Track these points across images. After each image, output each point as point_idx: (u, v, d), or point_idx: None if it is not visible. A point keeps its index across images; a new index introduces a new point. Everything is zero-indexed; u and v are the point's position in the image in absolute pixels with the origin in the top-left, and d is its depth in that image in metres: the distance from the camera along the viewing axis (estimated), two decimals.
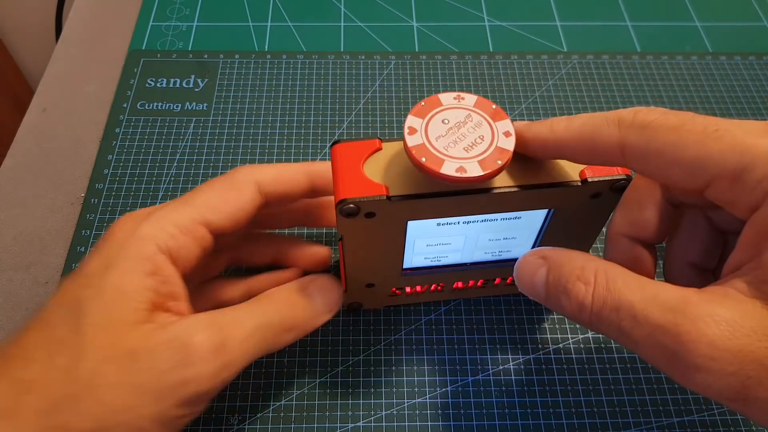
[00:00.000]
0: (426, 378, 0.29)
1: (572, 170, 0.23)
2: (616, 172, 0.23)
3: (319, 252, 0.30)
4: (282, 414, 0.28)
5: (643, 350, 0.18)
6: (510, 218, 0.25)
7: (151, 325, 0.21)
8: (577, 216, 0.25)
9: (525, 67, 0.42)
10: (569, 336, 0.31)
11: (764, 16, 0.47)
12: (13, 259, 0.33)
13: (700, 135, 0.18)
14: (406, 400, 0.29)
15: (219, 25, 0.45)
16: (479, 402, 0.29)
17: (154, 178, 0.36)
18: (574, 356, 0.30)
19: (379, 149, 0.23)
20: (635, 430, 0.28)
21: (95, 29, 0.45)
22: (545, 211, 0.25)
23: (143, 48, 0.43)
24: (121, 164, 0.37)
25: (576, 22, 0.46)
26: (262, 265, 0.30)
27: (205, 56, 0.43)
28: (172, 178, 0.36)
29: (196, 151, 0.37)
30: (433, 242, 0.26)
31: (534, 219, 0.25)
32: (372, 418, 0.28)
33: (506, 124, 0.22)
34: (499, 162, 0.21)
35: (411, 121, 0.22)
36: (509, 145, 0.22)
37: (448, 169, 0.21)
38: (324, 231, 0.34)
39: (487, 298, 0.32)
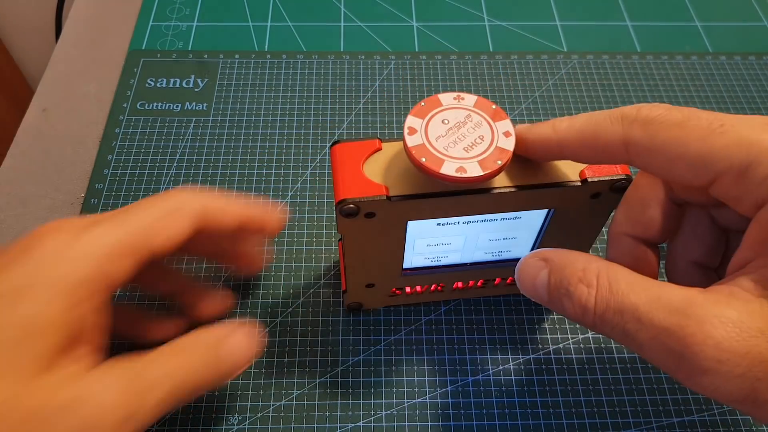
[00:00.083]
0: (426, 378, 0.29)
1: (572, 170, 0.23)
2: (616, 172, 0.23)
3: (216, 306, 0.29)
4: (282, 414, 0.28)
5: (648, 353, 0.17)
6: (510, 218, 0.25)
7: (52, 377, 0.18)
8: (577, 216, 0.25)
9: (525, 67, 0.42)
10: (569, 336, 0.31)
11: (764, 16, 0.47)
12: None
13: (705, 130, 0.17)
14: (406, 400, 0.29)
15: (219, 25, 0.45)
16: (479, 402, 0.29)
17: (154, 178, 0.36)
18: (574, 356, 0.30)
19: (379, 149, 0.23)
20: (635, 430, 0.28)
21: (95, 29, 0.45)
22: (545, 211, 0.25)
23: (143, 48, 0.43)
24: (121, 164, 0.37)
25: (576, 22, 0.46)
26: (156, 295, 0.30)
27: (205, 56, 0.43)
28: (172, 178, 0.36)
29: (196, 151, 0.37)
30: (433, 242, 0.26)
31: (534, 219, 0.25)
32: (372, 418, 0.28)
33: (506, 124, 0.22)
34: (499, 162, 0.21)
35: (411, 121, 0.22)
36: (509, 145, 0.22)
37: (448, 169, 0.21)
38: (324, 231, 0.34)
39: (487, 298, 0.32)
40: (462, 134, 0.22)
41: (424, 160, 0.21)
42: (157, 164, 0.37)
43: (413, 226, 0.24)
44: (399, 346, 0.30)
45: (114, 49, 0.43)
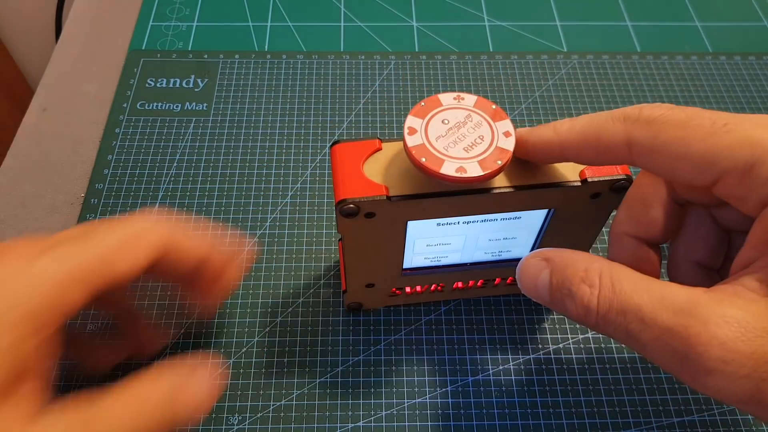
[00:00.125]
0: (426, 378, 0.29)
1: (572, 170, 0.23)
2: (616, 172, 0.23)
3: (153, 343, 0.28)
4: (282, 414, 0.28)
5: (652, 353, 0.17)
6: (510, 218, 0.25)
7: None
8: (577, 216, 0.25)
9: (525, 67, 0.42)
10: (569, 336, 0.31)
11: (764, 16, 0.47)
12: None
13: (709, 129, 0.17)
14: (406, 400, 0.29)
15: (219, 25, 0.45)
16: (479, 402, 0.29)
17: (154, 178, 0.36)
18: (574, 356, 0.30)
19: (379, 149, 0.23)
20: (635, 430, 0.28)
21: (95, 29, 0.45)
22: (545, 211, 0.25)
23: (143, 48, 0.43)
24: (121, 164, 0.37)
25: (576, 22, 0.46)
26: (98, 311, 0.30)
27: (205, 56, 0.43)
28: (172, 178, 0.36)
29: (196, 151, 0.37)
30: (433, 242, 0.26)
31: (534, 219, 0.25)
32: (372, 418, 0.28)
33: (506, 124, 0.22)
34: (499, 162, 0.21)
35: (411, 121, 0.22)
36: (509, 145, 0.22)
37: (448, 169, 0.21)
38: (324, 231, 0.34)
39: (487, 298, 0.32)
40: (462, 134, 0.22)
41: (424, 160, 0.21)
42: (157, 164, 0.37)
43: (413, 226, 0.24)
44: (399, 346, 0.30)
45: (114, 49, 0.43)
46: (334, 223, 0.34)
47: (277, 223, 0.34)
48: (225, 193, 0.36)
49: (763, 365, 0.15)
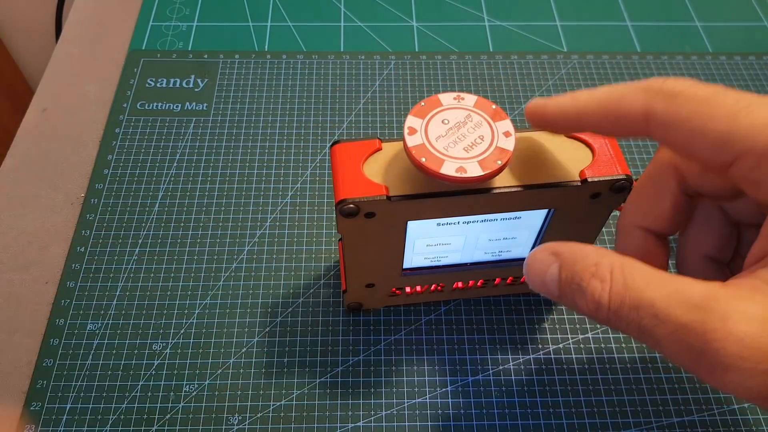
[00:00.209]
0: (426, 378, 0.29)
1: (572, 170, 0.23)
2: (616, 172, 0.23)
3: None
4: (282, 414, 0.28)
5: (666, 349, 0.17)
6: (510, 218, 0.25)
7: None
8: (577, 216, 0.25)
9: (525, 67, 0.42)
10: (569, 336, 0.31)
11: (764, 16, 0.47)
12: (13, 259, 0.33)
13: (731, 108, 0.17)
14: (406, 400, 0.29)
15: (219, 25, 0.45)
16: (479, 402, 0.29)
17: (154, 178, 0.36)
18: (574, 356, 0.30)
19: (379, 149, 0.23)
20: (635, 430, 0.28)
21: (95, 29, 0.45)
22: (545, 211, 0.25)
23: (143, 48, 0.43)
24: (121, 164, 0.37)
25: (576, 22, 0.46)
26: None
27: (205, 56, 0.43)
28: (172, 178, 0.36)
29: (196, 151, 0.37)
30: (433, 242, 0.26)
31: (534, 219, 0.25)
32: (372, 418, 0.28)
33: (506, 124, 0.22)
34: (499, 162, 0.21)
35: (411, 121, 0.22)
36: (509, 145, 0.22)
37: (448, 169, 0.21)
38: (324, 231, 0.34)
39: (487, 298, 0.32)
40: (462, 134, 0.22)
41: (424, 160, 0.21)
42: (157, 164, 0.37)
43: (413, 226, 0.24)
44: (399, 346, 0.30)
45: (114, 49, 0.43)
46: (334, 223, 0.34)
47: (277, 223, 0.34)
48: (225, 193, 0.36)
49: None
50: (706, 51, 0.44)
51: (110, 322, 0.31)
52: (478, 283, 0.30)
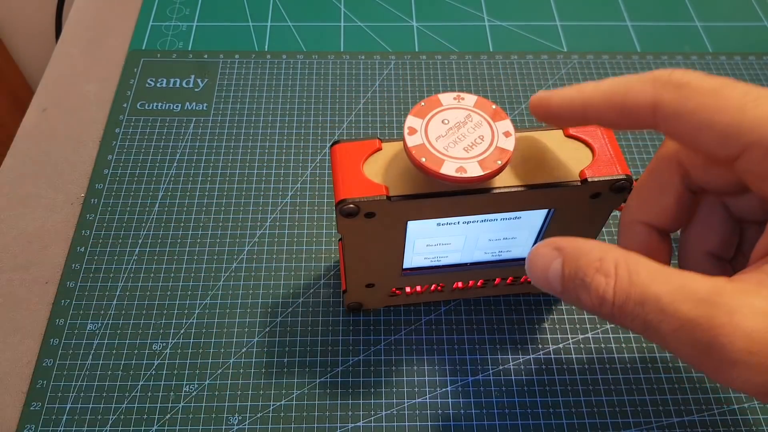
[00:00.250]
0: (426, 378, 0.29)
1: (572, 170, 0.23)
2: (616, 172, 0.23)
3: None
4: (282, 414, 0.28)
5: (672, 345, 0.17)
6: (510, 218, 0.25)
7: None
8: (577, 216, 0.25)
9: (525, 67, 0.42)
10: (569, 336, 0.31)
11: (764, 16, 0.47)
12: (13, 259, 0.33)
13: (739, 100, 0.17)
14: (406, 400, 0.29)
15: (219, 25, 0.45)
16: (479, 402, 0.29)
17: (154, 178, 0.36)
18: (574, 356, 0.30)
19: (379, 149, 0.23)
20: (635, 430, 0.28)
21: (95, 29, 0.45)
22: (545, 211, 0.25)
23: (143, 48, 0.43)
24: (121, 164, 0.37)
25: (576, 22, 0.46)
26: None
27: (205, 56, 0.43)
28: (172, 178, 0.36)
29: (196, 151, 0.37)
30: (433, 242, 0.26)
31: (534, 219, 0.25)
32: (372, 418, 0.28)
33: (506, 124, 0.22)
34: (499, 162, 0.21)
35: (411, 121, 0.22)
36: (509, 145, 0.22)
37: (448, 169, 0.21)
38: (324, 231, 0.34)
39: (487, 298, 0.32)
40: (462, 134, 0.22)
41: (424, 160, 0.21)
42: (157, 164, 0.37)
43: (413, 226, 0.24)
44: (399, 346, 0.30)
45: (114, 49, 0.43)
46: (334, 223, 0.34)
47: (277, 223, 0.34)
48: (225, 193, 0.36)
49: None
50: (706, 51, 0.44)
51: (110, 322, 0.31)
52: (478, 283, 0.30)
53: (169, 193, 0.35)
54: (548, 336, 0.31)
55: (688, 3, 0.48)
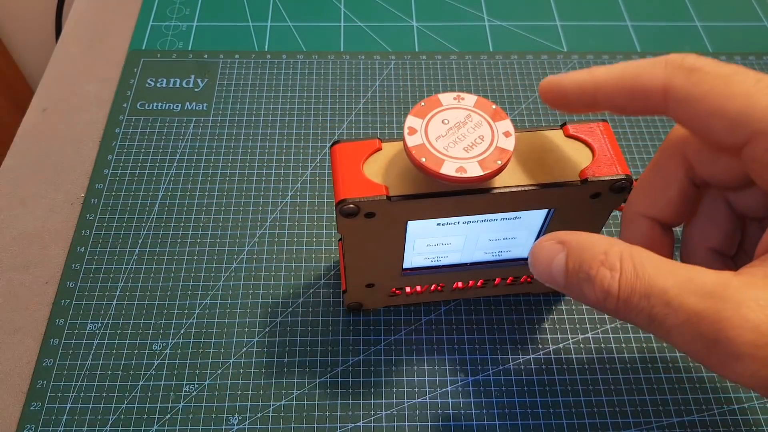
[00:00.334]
0: (426, 378, 0.29)
1: (572, 170, 0.23)
2: (616, 172, 0.23)
3: None
4: (282, 414, 0.28)
5: (677, 339, 0.16)
6: (510, 218, 0.25)
7: None
8: (577, 216, 0.25)
9: (525, 67, 0.42)
10: (569, 336, 0.31)
11: (764, 16, 0.47)
12: (13, 259, 0.33)
13: (750, 87, 0.17)
14: (406, 400, 0.29)
15: (219, 25, 0.45)
16: (479, 402, 0.29)
17: (154, 178, 0.36)
18: (574, 356, 0.30)
19: (379, 149, 0.23)
20: (635, 430, 0.28)
21: (95, 29, 0.45)
22: (545, 211, 0.25)
23: (143, 48, 0.43)
24: (121, 164, 0.37)
25: (576, 22, 0.46)
26: None
27: (205, 56, 0.43)
28: (172, 178, 0.36)
29: (196, 151, 0.37)
30: (433, 242, 0.26)
31: (534, 219, 0.25)
32: (372, 418, 0.28)
33: (506, 124, 0.22)
34: (499, 162, 0.21)
35: (411, 121, 0.22)
36: (509, 145, 0.22)
37: (448, 169, 0.21)
38: (324, 231, 0.34)
39: (487, 298, 0.32)
40: (462, 134, 0.22)
41: (424, 160, 0.21)
42: (157, 164, 0.37)
43: (413, 226, 0.24)
44: (399, 346, 0.30)
45: (114, 49, 0.43)
46: (334, 223, 0.34)
47: (277, 223, 0.34)
48: (225, 193, 0.36)
49: None
50: (706, 51, 0.44)
51: (110, 322, 0.31)
52: (478, 283, 0.30)
53: (169, 193, 0.35)
54: (548, 336, 0.31)
55: (688, 3, 0.48)
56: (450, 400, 0.29)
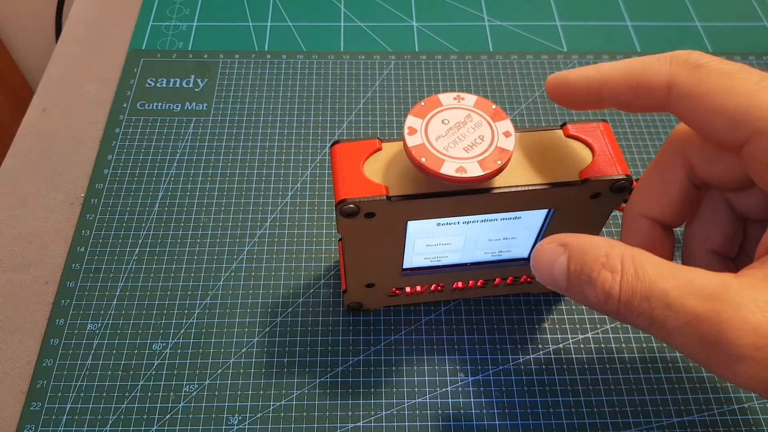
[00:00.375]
0: (426, 378, 0.29)
1: (572, 170, 0.23)
2: (616, 172, 0.23)
3: None
4: (282, 414, 0.28)
5: (678, 340, 0.16)
6: (510, 218, 0.25)
7: None
8: (577, 216, 0.25)
9: (525, 67, 0.42)
10: (569, 336, 0.31)
11: (764, 16, 0.47)
12: (13, 259, 0.33)
13: (753, 85, 0.17)
14: (406, 400, 0.29)
15: (219, 25, 0.45)
16: (479, 402, 0.29)
17: (154, 178, 0.36)
18: (574, 356, 0.30)
19: (379, 149, 0.23)
20: (635, 430, 0.28)
21: (95, 29, 0.45)
22: (545, 211, 0.25)
23: (143, 48, 0.43)
24: (121, 164, 0.37)
25: (576, 22, 0.46)
26: None
27: (205, 56, 0.43)
28: (172, 178, 0.36)
29: (196, 151, 0.37)
30: (433, 242, 0.26)
31: (534, 219, 0.25)
32: (372, 418, 0.28)
33: (506, 124, 0.22)
34: (499, 162, 0.21)
35: (411, 121, 0.22)
36: (509, 145, 0.22)
37: (448, 169, 0.21)
38: (324, 231, 0.34)
39: (487, 298, 0.32)
40: (462, 134, 0.22)
41: (424, 160, 0.21)
42: (157, 164, 0.37)
43: (413, 226, 0.24)
44: (399, 346, 0.30)
45: (114, 49, 0.43)
46: (334, 223, 0.34)
47: (277, 223, 0.34)
48: (225, 193, 0.36)
49: None
50: (706, 51, 0.44)
51: (110, 322, 0.31)
52: (478, 283, 0.30)
53: (169, 193, 0.35)
54: (548, 336, 0.31)
55: (688, 3, 0.48)
56: (450, 400, 0.29)
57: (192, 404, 0.28)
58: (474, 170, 0.21)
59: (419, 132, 0.22)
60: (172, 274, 0.32)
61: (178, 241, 0.34)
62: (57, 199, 0.35)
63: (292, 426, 0.28)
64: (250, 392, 0.29)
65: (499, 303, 0.32)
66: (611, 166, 0.23)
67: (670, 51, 0.19)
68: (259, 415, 0.28)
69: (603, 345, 0.31)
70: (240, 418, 0.28)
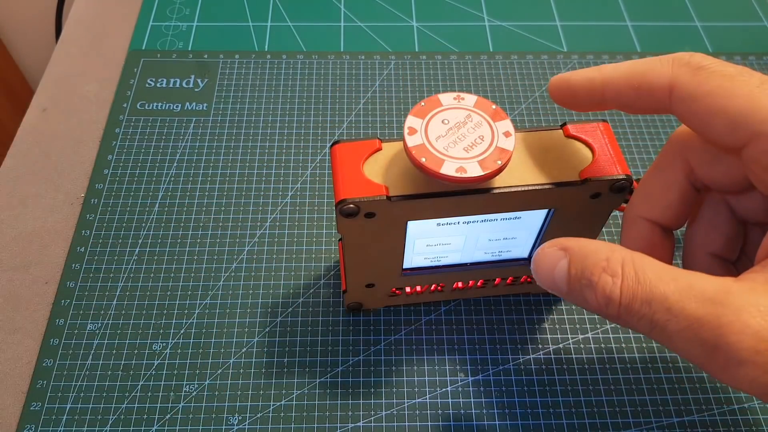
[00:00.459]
0: (426, 378, 0.29)
1: (572, 170, 0.23)
2: (616, 172, 0.23)
3: None
4: (282, 414, 0.28)
5: (678, 344, 0.17)
6: (510, 218, 0.25)
7: None
8: (577, 216, 0.25)
9: (525, 67, 0.42)
10: (569, 336, 0.31)
11: (764, 16, 0.47)
12: (13, 259, 0.33)
13: (754, 88, 0.17)
14: (406, 400, 0.29)
15: (219, 25, 0.45)
16: (479, 402, 0.29)
17: (154, 178, 0.36)
18: (574, 356, 0.30)
19: (379, 149, 0.23)
20: (635, 430, 0.28)
21: (95, 29, 0.45)
22: (545, 211, 0.25)
23: (143, 48, 0.43)
24: (121, 164, 0.37)
25: (576, 22, 0.46)
26: None
27: (205, 56, 0.43)
28: (172, 178, 0.36)
29: (196, 151, 0.37)
30: (433, 242, 0.26)
31: (534, 219, 0.25)
32: (372, 418, 0.28)
33: (506, 124, 0.22)
34: (499, 162, 0.21)
35: (411, 121, 0.22)
36: (509, 145, 0.22)
37: (448, 169, 0.21)
38: (324, 231, 0.34)
39: (487, 298, 0.32)
40: (462, 134, 0.22)
41: (424, 160, 0.21)
42: (157, 164, 0.37)
43: (413, 226, 0.24)
44: (399, 346, 0.30)
45: (114, 49, 0.43)
46: (334, 223, 0.34)
47: (277, 223, 0.34)
48: (225, 193, 0.36)
49: None
50: (706, 51, 0.44)
51: (110, 322, 0.31)
52: (478, 283, 0.30)
53: (169, 193, 0.35)
54: (548, 336, 0.31)
55: (688, 3, 0.48)
56: (450, 400, 0.29)
57: (192, 404, 0.28)
58: (474, 170, 0.21)
59: (419, 132, 0.22)
60: (172, 274, 0.32)
61: (178, 241, 0.34)
62: (57, 199, 0.35)
63: (292, 426, 0.28)
64: (250, 392, 0.29)
65: (499, 303, 0.32)
66: (611, 166, 0.23)
67: (669, 51, 0.19)
68: (259, 415, 0.28)
69: (603, 345, 0.31)
70: (240, 418, 0.28)
